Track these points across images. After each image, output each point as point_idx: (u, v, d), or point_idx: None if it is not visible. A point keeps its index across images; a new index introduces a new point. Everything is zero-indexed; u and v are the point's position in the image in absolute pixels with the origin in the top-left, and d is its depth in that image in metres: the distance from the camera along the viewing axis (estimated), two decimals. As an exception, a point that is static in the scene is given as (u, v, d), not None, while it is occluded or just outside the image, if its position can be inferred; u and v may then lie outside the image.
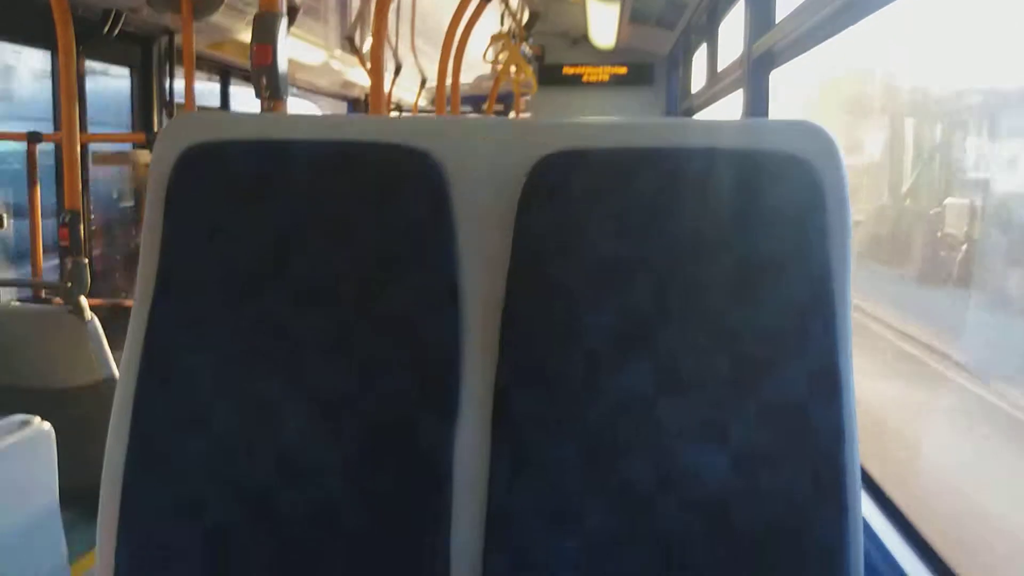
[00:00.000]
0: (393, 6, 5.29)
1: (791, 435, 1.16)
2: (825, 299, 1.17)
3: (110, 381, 2.97)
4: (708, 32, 4.62)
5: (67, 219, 3.22)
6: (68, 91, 3.24)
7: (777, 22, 3.01)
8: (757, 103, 3.17)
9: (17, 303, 3.57)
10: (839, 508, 1.16)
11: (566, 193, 1.20)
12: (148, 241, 1.24)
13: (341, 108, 8.25)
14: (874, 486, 2.05)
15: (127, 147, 4.85)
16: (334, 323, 1.21)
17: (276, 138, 1.25)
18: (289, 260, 1.22)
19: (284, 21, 2.04)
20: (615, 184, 1.20)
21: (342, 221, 1.22)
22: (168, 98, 4.85)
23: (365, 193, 1.22)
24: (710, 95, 4.67)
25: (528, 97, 7.37)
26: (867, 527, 1.79)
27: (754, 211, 1.18)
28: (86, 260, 3.27)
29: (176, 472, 1.21)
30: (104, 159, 4.81)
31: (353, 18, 6.12)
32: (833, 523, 1.16)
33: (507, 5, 4.95)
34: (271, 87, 2.00)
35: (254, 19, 2.03)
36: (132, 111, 4.84)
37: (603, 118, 1.29)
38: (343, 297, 1.21)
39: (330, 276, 1.22)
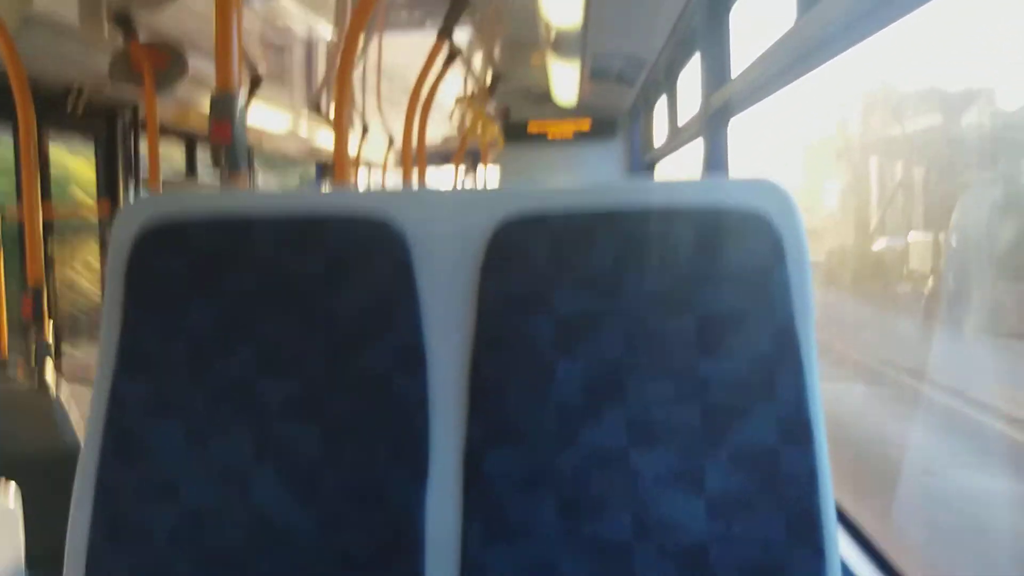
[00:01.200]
0: (358, 70, 5.37)
1: (764, 481, 1.17)
2: (790, 348, 1.19)
3: (77, 452, 2.93)
4: (667, 86, 4.72)
5: (31, 294, 3.20)
6: (28, 166, 3.25)
7: (733, 76, 3.07)
8: (717, 153, 3.23)
9: None
10: (815, 551, 1.17)
11: (528, 257, 1.21)
12: (109, 315, 1.24)
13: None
14: (852, 527, 2.04)
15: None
16: (301, 389, 1.22)
17: (236, 215, 1.26)
18: (251, 328, 1.22)
19: (241, 96, 2.07)
20: (576, 247, 1.21)
21: (304, 291, 1.23)
22: (134, 169, 4.85)
23: (326, 265, 1.23)
24: (672, 146, 4.75)
25: (495, 152, 7.45)
26: (845, 569, 1.78)
27: (716, 267, 1.20)
28: (50, 337, 3.23)
29: (143, 543, 1.20)
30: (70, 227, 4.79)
31: (319, 83, 6.18)
32: (810, 566, 1.17)
33: (469, 69, 5.03)
34: (230, 162, 2.02)
35: (211, 99, 2.06)
36: (97, 184, 4.83)
37: (563, 182, 1.31)
38: (310, 364, 1.22)
39: (294, 342, 1.22)
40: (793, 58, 2.28)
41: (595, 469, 1.18)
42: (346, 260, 1.23)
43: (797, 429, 1.17)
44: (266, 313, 1.23)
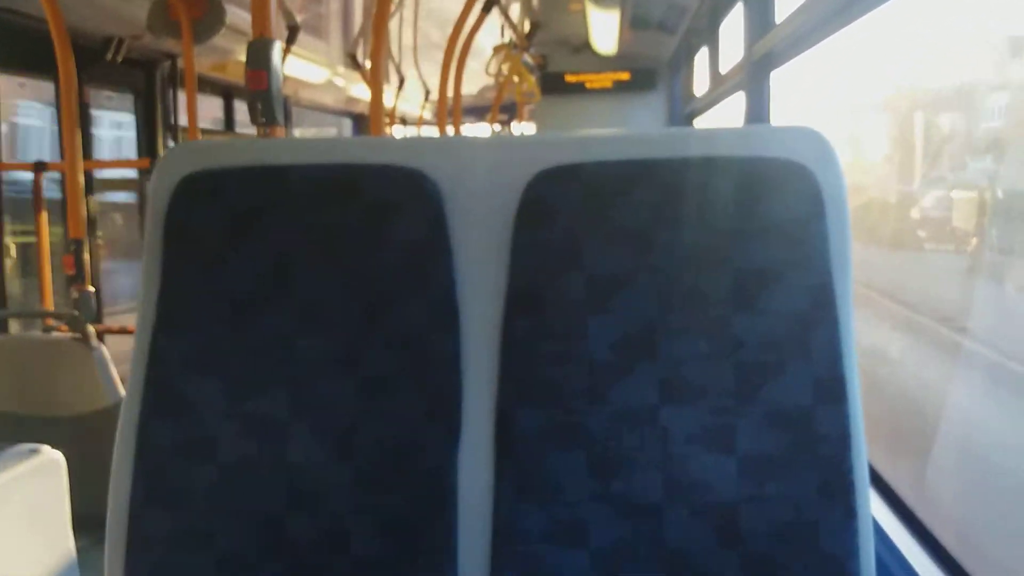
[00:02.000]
0: (395, 21, 5.31)
1: (797, 441, 1.15)
2: (827, 306, 1.16)
3: (119, 407, 2.99)
4: (709, 35, 4.61)
5: (72, 248, 3.24)
6: (70, 119, 3.26)
7: (776, 24, 2.99)
8: (758, 105, 3.16)
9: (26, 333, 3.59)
10: (848, 513, 1.15)
11: (562, 209, 1.19)
12: (148, 270, 1.24)
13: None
14: (886, 488, 2.02)
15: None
16: (337, 344, 1.21)
17: (272, 163, 1.25)
18: (289, 284, 1.22)
19: (278, 46, 2.04)
20: (612, 197, 1.18)
21: (340, 244, 1.22)
22: (173, 122, 4.88)
23: (361, 215, 1.22)
24: (713, 98, 4.65)
25: (532, 106, 7.37)
26: (879, 530, 1.77)
27: (754, 220, 1.17)
28: (91, 288, 3.27)
29: (183, 500, 1.21)
30: (110, 185, 4.85)
31: (355, 34, 6.14)
32: (842, 528, 1.15)
33: (507, 17, 4.95)
34: (267, 113, 2.01)
35: (248, 45, 2.03)
36: (137, 136, 4.87)
37: (600, 131, 1.28)
38: (345, 319, 1.21)
39: (331, 298, 1.21)
40: (836, 6, 2.21)
41: (626, 427, 1.17)
42: (381, 210, 1.22)
43: (832, 388, 1.15)
44: (303, 266, 1.22)
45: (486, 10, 4.43)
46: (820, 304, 1.16)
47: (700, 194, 1.18)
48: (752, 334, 1.16)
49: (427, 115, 8.41)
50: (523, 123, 7.95)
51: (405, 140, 1.31)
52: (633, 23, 4.83)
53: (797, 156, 1.17)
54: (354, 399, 1.20)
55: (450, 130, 5.47)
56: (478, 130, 8.78)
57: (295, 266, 1.22)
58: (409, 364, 1.21)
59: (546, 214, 1.19)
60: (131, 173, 4.94)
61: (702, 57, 4.99)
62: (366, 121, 8.53)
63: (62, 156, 4.15)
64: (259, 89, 1.99)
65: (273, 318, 1.21)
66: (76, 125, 3.28)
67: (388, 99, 6.84)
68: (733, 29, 4.13)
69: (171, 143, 4.87)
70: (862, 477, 1.15)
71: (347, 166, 1.24)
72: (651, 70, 6.20)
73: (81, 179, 3.28)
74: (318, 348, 1.21)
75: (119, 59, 4.27)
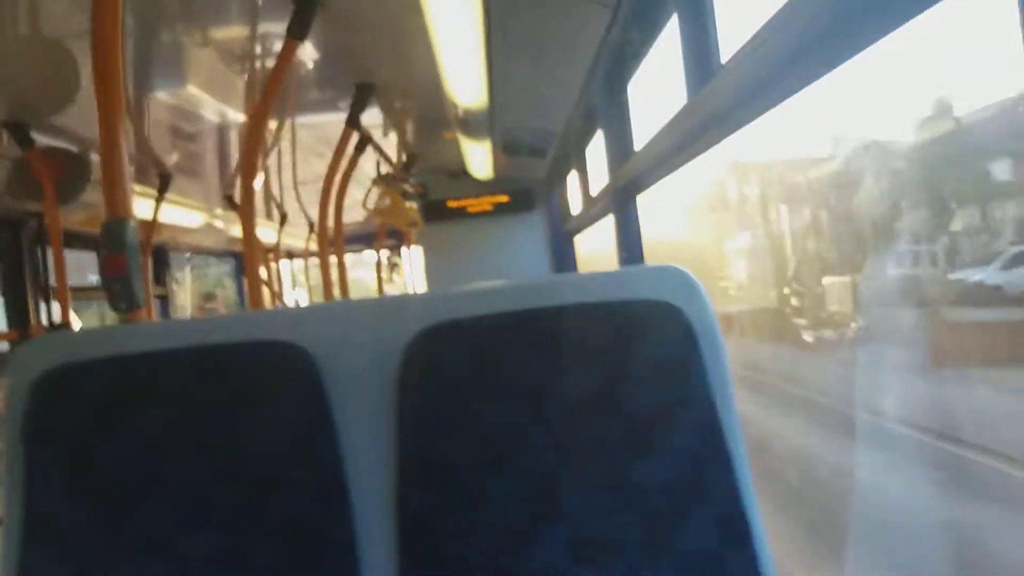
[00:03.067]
0: (274, 158, 5.33)
1: None
2: (717, 443, 1.17)
3: None
4: (577, 157, 4.80)
5: None
6: None
7: (635, 152, 3.13)
8: (627, 228, 3.27)
9: None
10: None
11: (445, 367, 1.18)
12: (11, 476, 1.16)
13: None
14: None
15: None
16: (219, 541, 1.15)
17: (136, 351, 1.20)
18: (163, 480, 1.15)
19: (132, 226, 1.93)
20: (494, 351, 1.18)
21: (214, 430, 1.17)
22: (44, 285, 4.67)
23: (234, 397, 1.18)
24: (587, 218, 4.80)
25: (417, 231, 7.44)
26: None
27: (634, 362, 1.19)
28: None
29: None
30: None
31: (232, 171, 6.10)
32: None
33: (381, 152, 5.04)
34: (127, 298, 1.88)
35: (101, 228, 1.91)
36: (4, 304, 4.63)
37: (477, 285, 1.29)
38: (226, 512, 1.15)
39: (209, 491, 1.16)
40: (689, 135, 2.33)
41: None
42: (254, 390, 1.19)
43: (735, 528, 1.15)
44: (176, 459, 1.17)
45: (359, 150, 4.49)
46: (709, 442, 1.17)
47: (580, 341, 1.19)
48: (650, 480, 1.15)
49: (313, 246, 8.37)
50: (411, 247, 8.01)
51: (276, 312, 1.29)
52: (505, 149, 5.00)
53: (666, 295, 1.20)
54: None
55: (333, 260, 5.44)
56: (365, 257, 8.79)
57: (167, 460, 1.16)
58: (300, 554, 1.15)
59: (429, 374, 1.18)
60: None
61: (573, 178, 5.18)
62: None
63: None
64: (117, 274, 1.86)
65: (149, 520, 1.15)
66: None
67: (271, 235, 6.78)
68: (600, 152, 4.32)
69: (43, 306, 4.66)
70: None
71: (216, 346, 1.21)
72: (528, 191, 6.40)
73: None
74: (201, 545, 1.14)
75: None
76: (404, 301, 1.28)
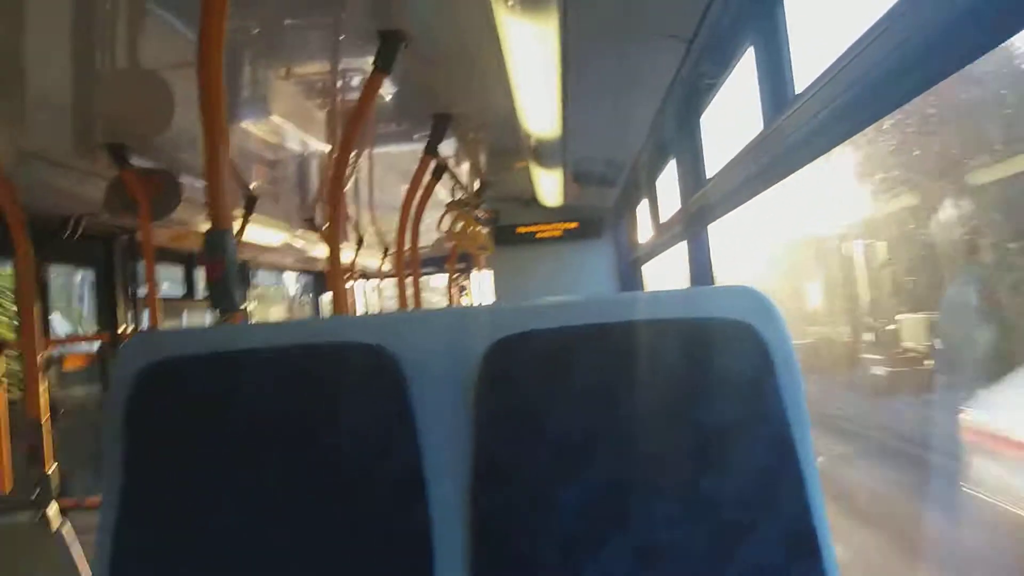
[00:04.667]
0: (351, 185, 5.50)
1: None
2: (790, 459, 1.18)
3: None
4: (647, 187, 4.84)
5: (30, 431, 3.20)
6: (27, 299, 3.29)
7: (708, 180, 3.17)
8: (699, 255, 3.29)
9: None
10: None
11: (521, 376, 1.22)
12: (109, 461, 1.24)
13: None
14: None
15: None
16: (303, 531, 1.20)
17: (231, 350, 1.28)
18: (253, 473, 1.22)
19: (231, 236, 2.10)
20: (568, 363, 1.22)
21: (304, 426, 1.23)
22: (132, 295, 4.92)
23: (324, 395, 1.24)
24: (656, 246, 4.83)
25: (487, 256, 7.54)
26: None
27: (707, 379, 1.21)
28: (51, 469, 3.22)
29: None
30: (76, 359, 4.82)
31: (312, 198, 6.31)
32: None
33: (456, 179, 5.17)
34: (225, 302, 2.04)
35: (205, 235, 2.09)
36: (96, 310, 4.89)
37: (553, 298, 1.34)
38: (313, 506, 1.21)
39: (296, 483, 1.22)
40: (764, 164, 2.35)
41: None
42: (341, 388, 1.24)
43: (804, 543, 1.16)
44: (265, 454, 1.23)
45: (436, 176, 4.62)
46: (782, 458, 1.18)
47: (652, 356, 1.22)
48: (720, 493, 1.17)
49: (386, 267, 8.57)
50: (480, 271, 8.13)
51: (363, 318, 1.35)
52: (576, 178, 5.07)
53: (740, 314, 1.23)
54: None
55: (409, 281, 5.57)
56: (432, 282, 8.94)
57: (258, 454, 1.23)
58: (377, 545, 1.20)
59: (506, 382, 1.23)
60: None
61: (643, 206, 5.22)
62: (326, 278, 8.65)
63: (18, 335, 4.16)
64: (218, 279, 2.04)
65: (239, 507, 1.21)
66: (33, 305, 3.30)
67: (347, 255, 6.97)
68: (671, 180, 4.36)
69: (131, 316, 4.90)
70: None
71: (306, 347, 1.27)
72: (597, 219, 6.44)
73: (37, 360, 3.28)
74: (286, 537, 1.20)
75: (75, 236, 4.35)
76: (483, 311, 1.33)
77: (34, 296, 3.34)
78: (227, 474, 1.22)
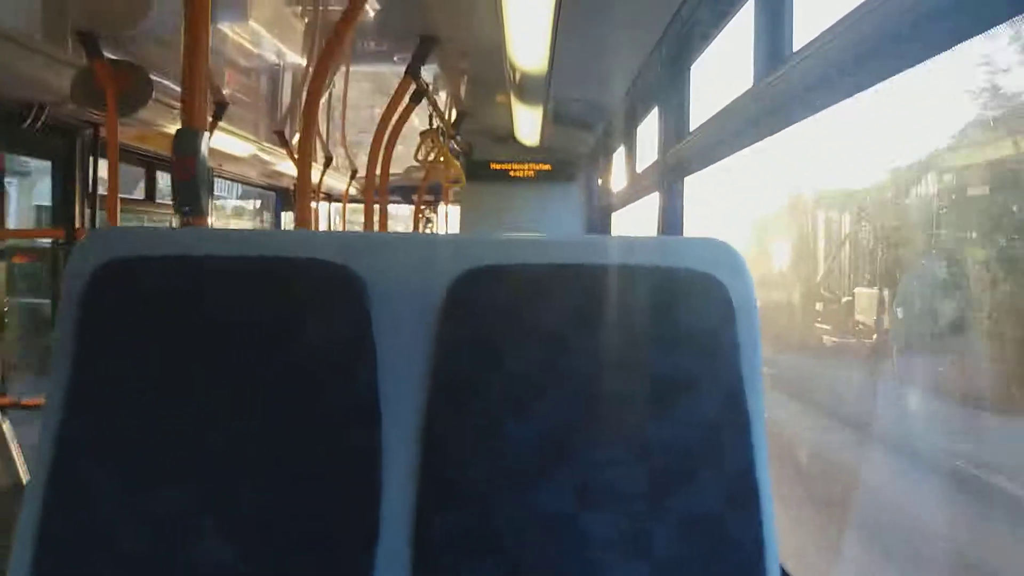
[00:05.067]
0: (323, 100, 5.38)
1: (711, 547, 1.18)
2: (739, 414, 1.21)
3: (19, 488, 2.86)
4: (626, 136, 4.81)
5: None
6: None
7: (690, 132, 3.16)
8: (672, 207, 3.30)
9: None
10: None
11: (486, 308, 1.23)
12: (60, 353, 1.22)
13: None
14: None
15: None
16: (252, 439, 1.20)
17: (194, 254, 1.25)
18: (205, 375, 1.21)
19: (206, 136, 2.05)
20: (533, 300, 1.23)
21: (262, 337, 1.22)
22: (92, 192, 4.79)
23: (285, 309, 1.23)
24: (629, 195, 4.83)
25: (456, 190, 7.50)
26: None
27: (668, 328, 1.22)
28: None
29: None
30: (25, 254, 4.71)
31: (283, 111, 6.18)
32: None
33: (435, 106, 5.08)
34: (191, 202, 2.00)
35: (176, 133, 2.03)
36: (52, 206, 4.76)
37: (523, 234, 1.33)
38: (262, 413, 1.21)
39: (249, 391, 1.21)
40: (750, 121, 2.35)
41: (545, 534, 1.18)
42: (304, 304, 1.23)
43: (744, 496, 1.20)
44: (220, 358, 1.22)
45: (414, 101, 4.54)
46: (731, 412, 1.21)
47: (617, 301, 1.23)
48: (666, 441, 1.20)
49: (352, 191, 8.46)
50: (448, 205, 8.08)
51: (331, 235, 1.33)
52: (555, 118, 5.02)
53: (708, 267, 1.24)
54: (268, 496, 1.19)
55: (375, 209, 5.52)
56: (406, 210, 8.88)
57: (211, 356, 1.22)
58: (327, 459, 1.20)
59: (470, 313, 1.23)
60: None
61: (620, 155, 5.21)
62: (289, 195, 8.52)
63: None
64: (187, 177, 1.99)
65: (187, 409, 1.20)
66: None
67: (314, 175, 6.86)
68: (650, 131, 4.34)
69: (89, 215, 4.78)
70: None
71: (272, 259, 1.25)
72: (572, 162, 6.41)
73: None
74: (232, 442, 1.20)
75: (37, 125, 4.20)
76: (452, 240, 1.31)
77: None
78: (179, 378, 1.21)
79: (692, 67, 3.20)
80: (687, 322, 1.22)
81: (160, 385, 1.20)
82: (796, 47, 2.07)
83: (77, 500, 1.18)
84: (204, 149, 2.02)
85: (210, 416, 1.20)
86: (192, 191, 1.99)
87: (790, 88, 1.99)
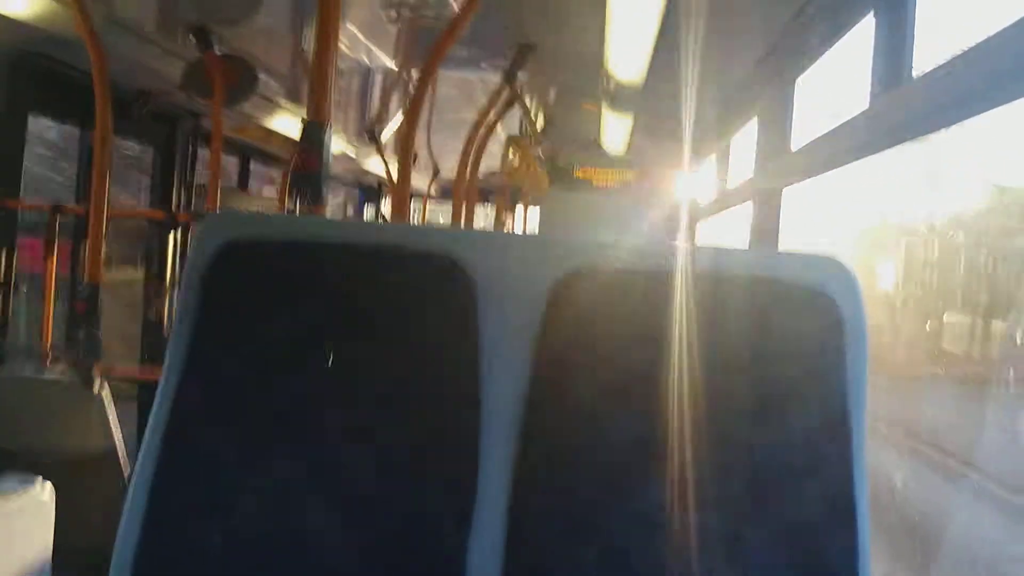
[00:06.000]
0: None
1: (805, 559, 1.18)
2: (842, 428, 1.21)
3: (113, 454, 2.97)
4: (719, 146, 4.78)
5: (86, 292, 3.26)
6: (101, 167, 3.32)
7: (792, 151, 3.13)
8: (766, 222, 3.27)
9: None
10: None
11: (589, 310, 1.24)
12: (180, 327, 1.27)
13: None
14: None
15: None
16: (360, 421, 1.24)
17: (311, 241, 1.30)
18: (319, 358, 1.24)
19: (330, 128, 2.12)
20: (638, 303, 1.24)
21: (373, 323, 1.26)
22: (189, 179, 4.97)
23: (396, 297, 1.27)
24: (716, 208, 4.80)
25: (538, 196, 7.52)
26: None
27: (776, 339, 1.22)
28: (99, 332, 3.29)
29: (191, 558, 1.21)
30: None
31: (374, 111, 6.31)
32: None
33: (525, 111, 5.13)
34: (314, 193, 2.07)
35: (303, 125, 2.11)
36: (152, 188, 4.94)
37: (626, 238, 1.35)
38: (370, 397, 1.24)
39: (359, 376, 1.25)
40: (859, 141, 2.32)
41: (639, 529, 1.19)
42: (414, 294, 1.27)
43: (841, 510, 1.19)
44: (333, 341, 1.25)
45: (507, 106, 4.59)
46: (834, 426, 1.21)
47: (724, 308, 1.24)
48: (767, 449, 1.20)
49: (432, 192, 8.57)
50: (527, 209, 8.11)
51: (442, 229, 1.36)
52: (645, 128, 5.02)
53: (821, 284, 1.23)
54: (371, 475, 1.23)
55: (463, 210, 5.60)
56: (486, 212, 8.94)
57: (325, 337, 1.25)
58: (429, 442, 1.24)
59: (574, 314, 1.25)
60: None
61: (708, 165, 5.17)
62: (373, 192, 8.66)
63: (77, 200, 4.22)
64: (311, 169, 2.06)
65: (298, 388, 1.24)
66: (107, 173, 3.34)
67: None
68: (742, 145, 4.31)
69: (185, 199, 4.95)
70: None
71: (386, 248, 1.29)
72: (658, 174, 6.37)
73: (103, 225, 3.33)
74: (340, 422, 1.24)
75: (144, 112, 4.37)
76: (559, 241, 1.33)
77: (107, 165, 3.37)
78: (292, 357, 1.25)
79: (798, 81, 3.17)
80: (795, 335, 1.23)
81: (274, 362, 1.25)
82: (917, 67, 2.04)
83: (189, 468, 1.23)
84: (328, 141, 2.09)
85: (320, 395, 1.24)
86: (315, 181, 2.07)
87: (909, 110, 1.96)
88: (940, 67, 1.80)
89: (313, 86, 2.10)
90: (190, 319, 1.26)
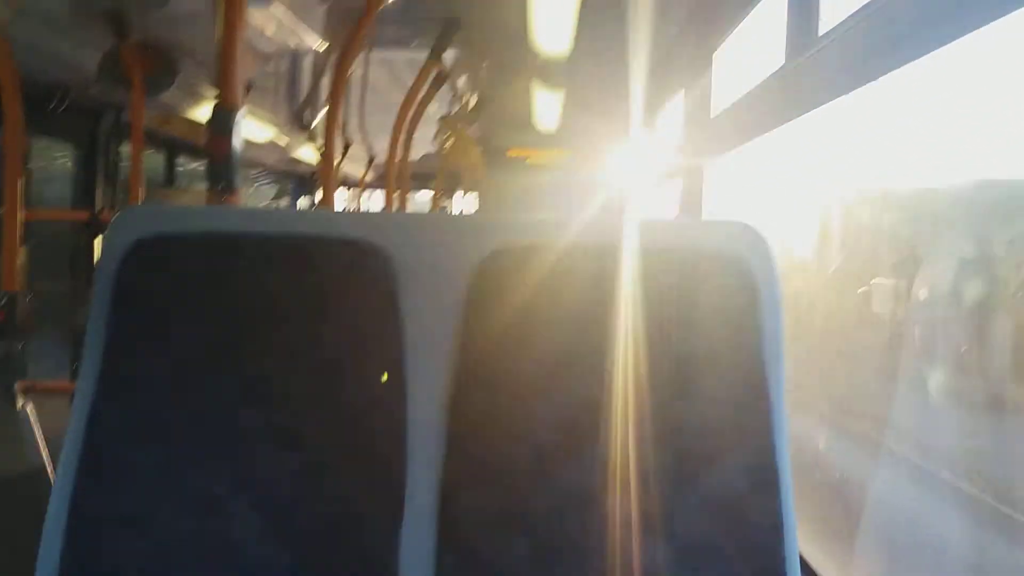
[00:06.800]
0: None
1: (731, 528, 1.20)
2: (760, 395, 1.22)
3: (40, 471, 2.88)
4: (648, 120, 4.81)
5: (2, 302, 3.13)
6: (14, 168, 3.20)
7: (712, 118, 3.16)
8: (692, 194, 3.30)
9: None
10: None
11: (513, 288, 1.24)
12: (93, 331, 1.23)
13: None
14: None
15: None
16: (283, 419, 1.22)
17: (226, 233, 1.27)
18: (236, 354, 1.22)
19: (240, 115, 2.08)
20: (560, 280, 1.24)
21: (291, 316, 1.24)
22: (114, 172, 4.82)
23: (314, 288, 1.24)
24: (650, 180, 4.82)
25: (473, 176, 7.50)
26: None
27: (693, 309, 1.23)
28: (20, 345, 3.17)
29: (113, 570, 1.18)
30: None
31: (303, 97, 6.19)
32: None
33: (455, 91, 5.09)
34: (225, 180, 2.03)
35: (213, 110, 2.06)
36: (74, 188, 4.79)
37: (549, 214, 1.35)
38: (291, 392, 1.22)
39: (278, 370, 1.22)
40: (776, 105, 2.34)
41: (569, 511, 1.20)
42: (333, 282, 1.25)
43: (764, 477, 1.21)
44: (251, 337, 1.23)
45: (436, 86, 4.54)
46: (753, 393, 1.22)
47: (644, 281, 1.24)
48: (690, 421, 1.21)
49: (368, 178, 8.48)
50: (466, 192, 8.09)
51: (361, 215, 1.33)
52: (576, 104, 5.03)
53: (734, 249, 1.24)
54: (296, 475, 1.21)
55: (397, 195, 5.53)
56: (422, 197, 8.88)
57: (244, 337, 1.23)
58: (354, 440, 1.22)
59: (498, 293, 1.24)
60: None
61: (640, 139, 5.18)
62: (306, 182, 8.53)
63: None
64: (221, 156, 2.02)
65: (218, 389, 1.21)
66: (20, 174, 3.22)
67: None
68: (672, 116, 4.33)
69: (110, 197, 4.80)
70: (792, 564, 1.20)
71: (303, 238, 1.26)
72: (591, 150, 6.39)
73: (18, 230, 3.21)
74: (262, 421, 1.21)
75: (62, 108, 4.23)
76: (482, 220, 1.33)
77: (20, 165, 3.25)
78: (210, 355, 1.22)
79: (717, 51, 3.20)
80: (710, 304, 1.24)
81: (191, 362, 1.22)
82: (823, 28, 2.07)
83: (108, 477, 1.20)
84: (239, 128, 2.04)
85: (239, 393, 1.22)
86: (226, 169, 2.03)
87: (820, 69, 1.99)
88: (843, 23, 1.82)
89: (222, 68, 2.05)
90: (102, 323, 1.22)
